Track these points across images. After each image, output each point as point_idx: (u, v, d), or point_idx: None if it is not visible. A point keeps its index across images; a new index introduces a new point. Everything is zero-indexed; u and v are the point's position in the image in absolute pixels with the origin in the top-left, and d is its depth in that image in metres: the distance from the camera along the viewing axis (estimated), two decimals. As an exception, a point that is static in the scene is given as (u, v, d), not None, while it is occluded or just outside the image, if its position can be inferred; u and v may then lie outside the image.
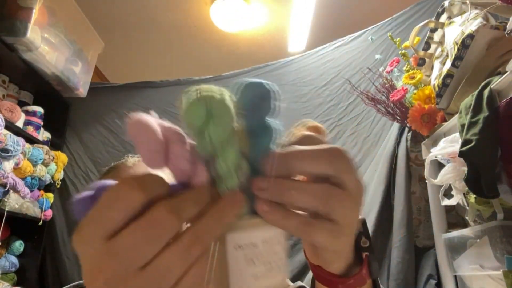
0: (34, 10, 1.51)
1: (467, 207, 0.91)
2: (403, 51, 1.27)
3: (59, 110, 1.99)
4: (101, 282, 0.20)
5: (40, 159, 1.67)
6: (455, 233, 0.98)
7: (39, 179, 1.73)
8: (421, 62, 1.18)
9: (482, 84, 0.82)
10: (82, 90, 1.97)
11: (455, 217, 1.11)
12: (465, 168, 0.78)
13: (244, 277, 0.25)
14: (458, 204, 0.91)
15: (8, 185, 1.49)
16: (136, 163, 0.61)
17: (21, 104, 1.77)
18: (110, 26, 2.47)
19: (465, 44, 0.89)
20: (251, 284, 0.25)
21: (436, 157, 0.93)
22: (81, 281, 0.65)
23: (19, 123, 1.67)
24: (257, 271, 0.25)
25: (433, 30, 1.13)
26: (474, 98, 0.81)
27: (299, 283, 0.56)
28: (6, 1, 1.51)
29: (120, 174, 0.59)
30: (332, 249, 0.26)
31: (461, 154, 0.77)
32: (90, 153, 2.04)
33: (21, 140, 1.52)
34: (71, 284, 0.63)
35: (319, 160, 0.24)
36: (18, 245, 1.70)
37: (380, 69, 1.41)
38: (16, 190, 1.57)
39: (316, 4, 2.19)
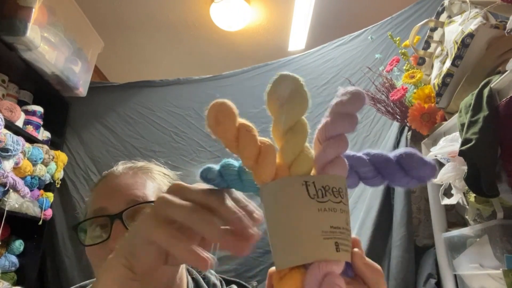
0: (33, 9, 1.50)
1: (467, 206, 0.91)
2: (403, 50, 1.27)
3: (59, 109, 1.99)
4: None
5: (40, 159, 1.67)
6: (455, 232, 0.99)
7: (39, 178, 1.73)
8: (421, 61, 1.18)
9: (482, 83, 0.82)
10: (82, 90, 1.97)
11: (455, 216, 1.10)
12: (465, 167, 0.78)
13: None
14: (458, 203, 0.91)
15: (8, 185, 1.49)
16: (123, 173, 0.58)
17: (21, 103, 1.77)
18: (110, 25, 2.47)
19: (465, 43, 0.89)
20: None
21: (436, 156, 0.93)
22: (85, 282, 0.64)
23: (19, 123, 1.66)
24: None
25: (433, 29, 1.13)
26: (474, 97, 0.81)
27: None
28: (5, 0, 1.50)
29: (109, 183, 0.57)
30: None
31: (461, 153, 0.77)
32: (90, 153, 2.04)
33: (20, 140, 1.52)
34: (75, 286, 0.63)
35: None
36: (18, 245, 1.70)
37: (380, 68, 1.41)
38: (16, 190, 1.56)
39: (316, 3, 2.19)
